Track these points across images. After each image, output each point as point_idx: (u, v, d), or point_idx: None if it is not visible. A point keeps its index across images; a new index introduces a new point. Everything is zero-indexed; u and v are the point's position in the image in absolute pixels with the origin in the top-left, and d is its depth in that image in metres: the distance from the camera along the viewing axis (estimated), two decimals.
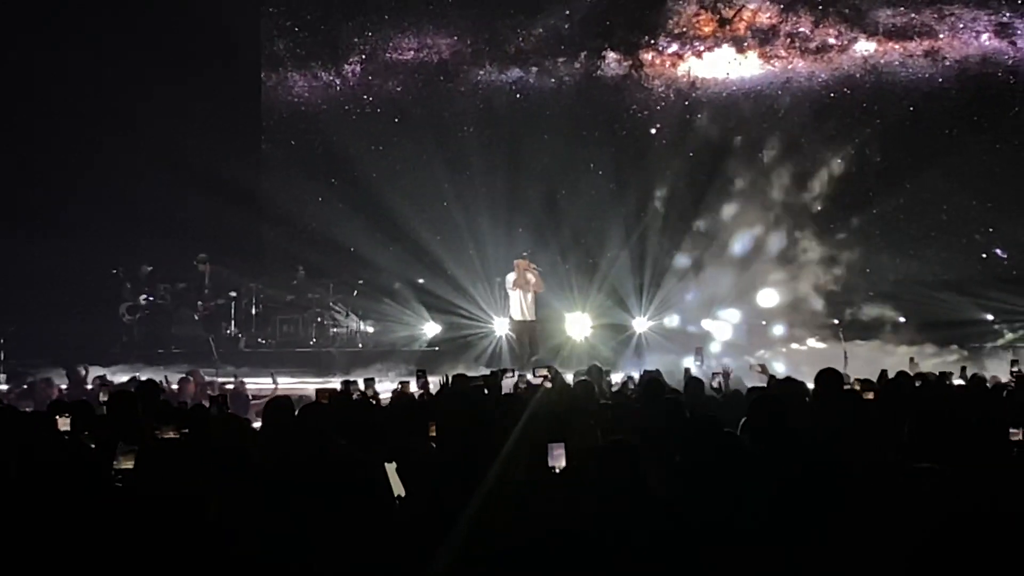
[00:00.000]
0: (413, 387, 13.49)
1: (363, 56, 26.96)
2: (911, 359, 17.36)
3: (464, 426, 7.72)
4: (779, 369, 17.09)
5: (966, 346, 21.27)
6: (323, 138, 26.56)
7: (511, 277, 21.08)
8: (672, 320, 22.99)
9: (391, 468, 7.12)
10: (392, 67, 26.89)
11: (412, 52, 26.80)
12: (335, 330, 24.47)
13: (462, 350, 22.07)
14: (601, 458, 6.31)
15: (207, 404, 11.25)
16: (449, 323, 23.21)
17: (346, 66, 27.01)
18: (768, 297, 22.91)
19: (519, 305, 21.06)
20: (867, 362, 17.65)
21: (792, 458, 6.71)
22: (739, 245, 23.11)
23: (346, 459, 7.17)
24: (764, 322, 22.82)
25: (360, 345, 24.04)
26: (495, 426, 7.52)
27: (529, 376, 13.41)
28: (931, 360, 19.04)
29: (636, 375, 15.24)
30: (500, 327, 22.22)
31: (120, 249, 23.80)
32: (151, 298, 23.95)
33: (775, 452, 7.07)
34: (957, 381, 14.01)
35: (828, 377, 9.22)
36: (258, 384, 18.26)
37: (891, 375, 13.06)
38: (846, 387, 11.13)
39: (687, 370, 15.37)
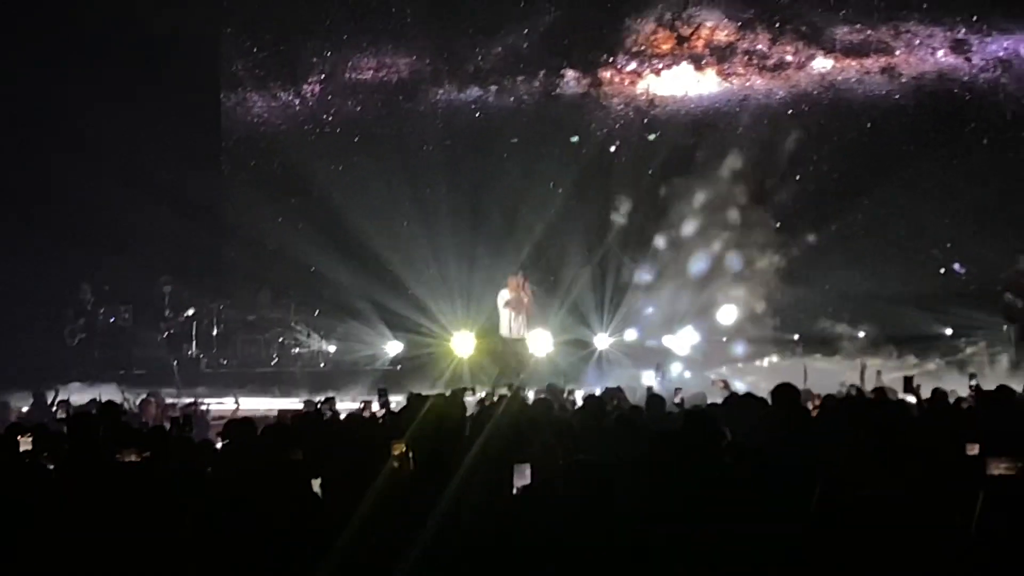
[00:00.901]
0: (375, 406, 13.52)
1: (322, 76, 26.93)
2: (878, 372, 17.45)
3: (433, 444, 7.74)
4: (739, 386, 17.13)
5: (925, 361, 21.38)
6: (283, 158, 26.49)
7: (503, 295, 20.98)
8: (631, 335, 23.02)
9: (316, 483, 7.19)
10: (351, 87, 26.88)
11: (371, 71, 26.80)
12: (297, 350, 24.43)
13: (424, 368, 22.07)
14: (562, 477, 6.35)
15: (168, 426, 11.24)
16: (410, 341, 23.19)
17: (305, 86, 26.97)
18: (727, 314, 22.98)
19: (507, 323, 20.96)
20: (828, 376, 17.72)
21: (726, 475, 6.75)
22: (698, 262, 23.17)
23: (298, 477, 7.21)
24: (724, 338, 22.89)
25: (322, 364, 24.01)
26: (464, 444, 7.55)
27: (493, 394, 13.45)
28: (891, 375, 19.11)
29: (599, 391, 15.27)
30: (461, 345, 22.16)
31: (79, 269, 23.66)
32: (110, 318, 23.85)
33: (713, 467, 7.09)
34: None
35: (783, 393, 9.23)
36: (221, 405, 18.21)
37: (858, 389, 13.19)
38: (808, 403, 11.25)
39: (649, 388, 15.44)
